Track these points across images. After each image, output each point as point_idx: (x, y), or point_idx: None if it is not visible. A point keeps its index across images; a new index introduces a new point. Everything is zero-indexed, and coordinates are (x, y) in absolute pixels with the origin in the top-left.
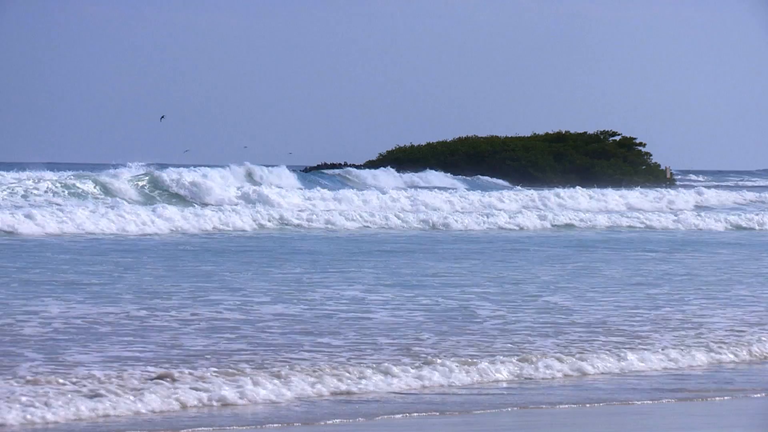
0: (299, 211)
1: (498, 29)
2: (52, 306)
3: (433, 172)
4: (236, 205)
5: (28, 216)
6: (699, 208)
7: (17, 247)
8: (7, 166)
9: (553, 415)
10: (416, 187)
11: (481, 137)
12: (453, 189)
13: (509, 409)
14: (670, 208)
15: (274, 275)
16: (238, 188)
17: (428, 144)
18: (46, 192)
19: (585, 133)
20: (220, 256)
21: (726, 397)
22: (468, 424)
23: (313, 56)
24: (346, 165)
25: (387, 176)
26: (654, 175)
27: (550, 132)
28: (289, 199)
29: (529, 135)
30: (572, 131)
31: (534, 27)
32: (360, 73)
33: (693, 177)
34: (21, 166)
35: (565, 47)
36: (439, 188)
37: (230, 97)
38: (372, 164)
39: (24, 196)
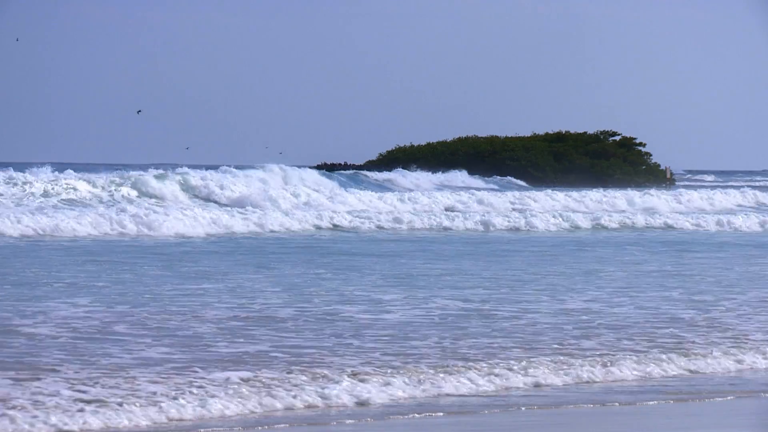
0: (355, 214)
1: (498, 29)
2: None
3: (456, 172)
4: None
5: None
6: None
7: (91, 249)
8: (15, 166)
9: (552, 415)
10: (452, 187)
11: (481, 137)
12: (491, 189)
13: (521, 409)
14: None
15: (329, 277)
16: (294, 193)
17: (428, 144)
18: (70, 192)
19: (585, 133)
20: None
21: (729, 397)
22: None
23: (313, 56)
24: (346, 165)
25: (416, 177)
26: (654, 175)
27: (550, 132)
28: (345, 200)
29: (529, 135)
30: (572, 131)
31: (534, 27)
32: (360, 73)
33: (706, 177)
34: (24, 166)
35: (565, 47)
36: (474, 189)
37: (228, 97)
38: (372, 164)
39: (63, 198)
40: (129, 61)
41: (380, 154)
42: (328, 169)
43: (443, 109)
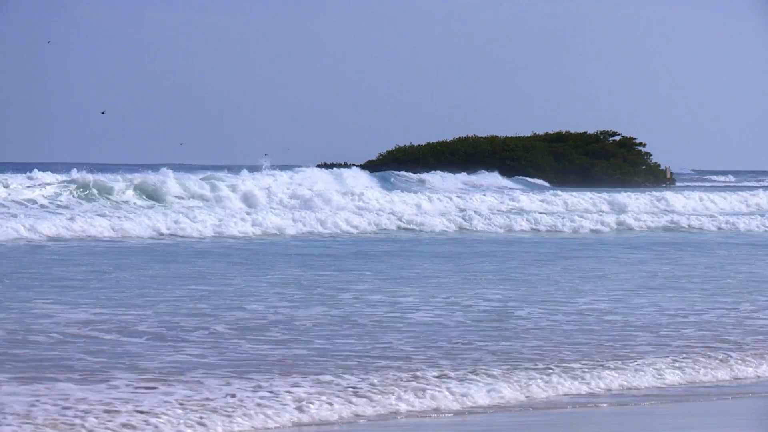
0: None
1: (498, 29)
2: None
3: (485, 172)
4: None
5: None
6: None
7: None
8: (21, 167)
9: (553, 415)
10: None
11: (481, 137)
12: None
13: (529, 409)
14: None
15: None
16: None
17: (428, 144)
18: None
19: (585, 133)
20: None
21: (728, 398)
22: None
23: (313, 56)
24: (346, 164)
25: (442, 178)
26: (654, 175)
27: (550, 132)
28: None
29: (529, 135)
30: (572, 131)
31: (534, 27)
32: (360, 73)
33: (719, 178)
34: (26, 167)
35: (565, 47)
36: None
37: (227, 96)
38: (372, 164)
39: (110, 200)
40: (126, 60)
41: (380, 154)
42: (329, 168)
43: (443, 109)
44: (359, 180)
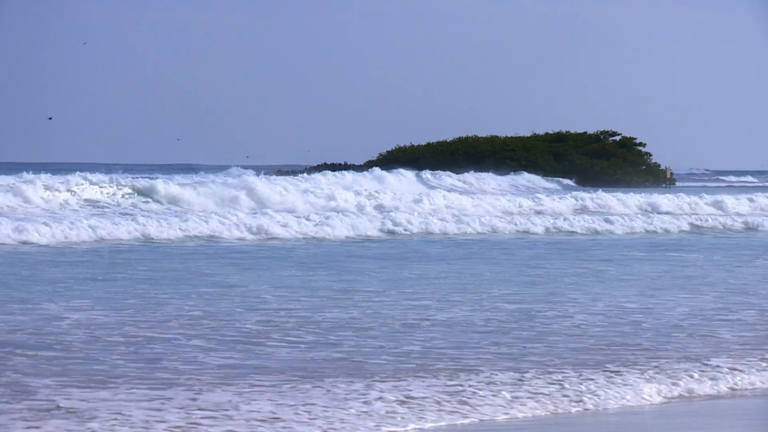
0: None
1: (498, 29)
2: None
3: (525, 174)
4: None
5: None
6: None
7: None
8: (18, 167)
9: (547, 416)
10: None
11: (481, 137)
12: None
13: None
14: None
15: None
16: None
17: (428, 144)
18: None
19: (585, 133)
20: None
21: (729, 398)
22: None
23: (313, 56)
24: (346, 165)
25: (488, 178)
26: (654, 175)
27: (550, 132)
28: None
29: (529, 135)
30: (572, 131)
31: (534, 27)
32: (360, 73)
33: (744, 179)
34: (25, 168)
35: (565, 47)
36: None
37: (225, 96)
38: (372, 164)
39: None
40: (124, 60)
41: (380, 154)
42: (329, 169)
43: (443, 109)
44: (407, 182)
